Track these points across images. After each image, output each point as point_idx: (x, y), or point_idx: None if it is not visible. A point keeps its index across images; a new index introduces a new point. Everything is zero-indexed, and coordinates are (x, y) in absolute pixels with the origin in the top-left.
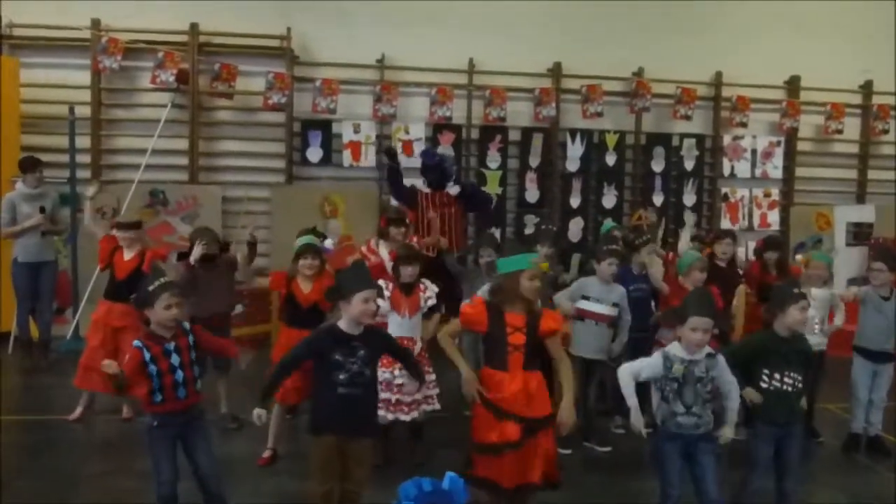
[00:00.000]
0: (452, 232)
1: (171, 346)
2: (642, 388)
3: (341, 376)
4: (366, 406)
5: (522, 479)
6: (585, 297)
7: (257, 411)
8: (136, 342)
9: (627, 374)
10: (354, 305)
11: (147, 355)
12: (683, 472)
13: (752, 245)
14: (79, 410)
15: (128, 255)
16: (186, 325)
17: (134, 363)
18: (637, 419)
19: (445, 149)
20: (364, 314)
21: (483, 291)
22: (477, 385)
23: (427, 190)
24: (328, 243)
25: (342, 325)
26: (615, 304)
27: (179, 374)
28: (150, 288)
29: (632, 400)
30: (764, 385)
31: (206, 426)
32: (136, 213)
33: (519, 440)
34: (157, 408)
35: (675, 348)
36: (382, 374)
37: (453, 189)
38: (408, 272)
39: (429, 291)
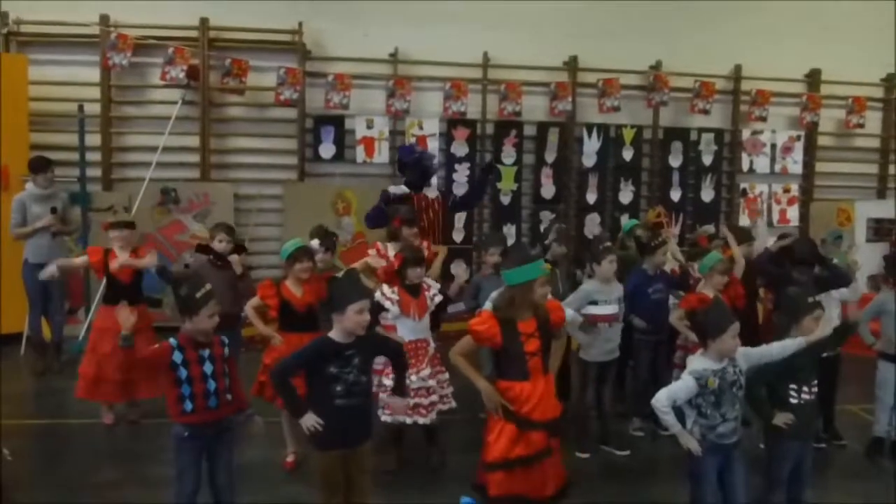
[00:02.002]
0: (435, 241)
1: (207, 352)
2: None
3: (338, 388)
4: (364, 414)
5: (553, 485)
6: (593, 303)
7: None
8: (171, 339)
9: (664, 402)
10: (348, 317)
11: (179, 357)
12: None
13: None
14: (111, 416)
15: (123, 256)
16: (225, 338)
17: (159, 355)
18: (687, 440)
19: (460, 145)
20: (358, 325)
21: (492, 300)
22: (499, 398)
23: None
24: (314, 244)
25: (335, 335)
26: (617, 299)
27: (212, 384)
28: (198, 295)
29: (676, 427)
30: (793, 401)
31: (233, 439)
32: (148, 212)
33: (549, 447)
34: (187, 418)
35: (701, 363)
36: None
37: (431, 192)
38: (416, 273)
39: (433, 289)
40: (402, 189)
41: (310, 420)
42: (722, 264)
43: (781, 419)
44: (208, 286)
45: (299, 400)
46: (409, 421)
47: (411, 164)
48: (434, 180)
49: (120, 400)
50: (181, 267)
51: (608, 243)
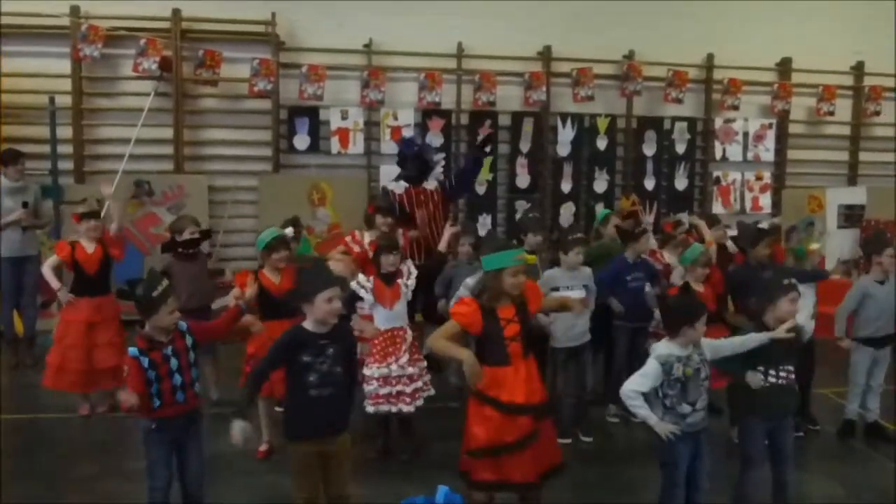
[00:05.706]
0: (435, 234)
1: (170, 349)
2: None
3: (311, 378)
4: (339, 405)
5: (539, 469)
6: (555, 289)
7: (239, 424)
8: (131, 350)
9: (633, 392)
10: (318, 306)
11: (145, 362)
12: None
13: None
14: (86, 406)
15: (90, 247)
16: (183, 325)
17: (137, 375)
18: (662, 427)
19: (435, 135)
20: (329, 314)
21: (465, 286)
22: (480, 369)
23: (400, 190)
24: (288, 232)
25: (308, 325)
26: (584, 286)
27: (177, 378)
28: (155, 294)
29: (651, 418)
30: (762, 382)
31: (201, 432)
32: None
33: (534, 432)
34: (155, 413)
35: (666, 348)
36: (378, 369)
37: (430, 184)
38: (389, 261)
39: (409, 276)
40: (401, 185)
41: (239, 426)
42: (704, 256)
43: (752, 378)
44: (165, 283)
45: (252, 396)
46: (393, 410)
47: (412, 157)
48: (437, 172)
49: (84, 390)
50: (155, 259)
51: (579, 235)
